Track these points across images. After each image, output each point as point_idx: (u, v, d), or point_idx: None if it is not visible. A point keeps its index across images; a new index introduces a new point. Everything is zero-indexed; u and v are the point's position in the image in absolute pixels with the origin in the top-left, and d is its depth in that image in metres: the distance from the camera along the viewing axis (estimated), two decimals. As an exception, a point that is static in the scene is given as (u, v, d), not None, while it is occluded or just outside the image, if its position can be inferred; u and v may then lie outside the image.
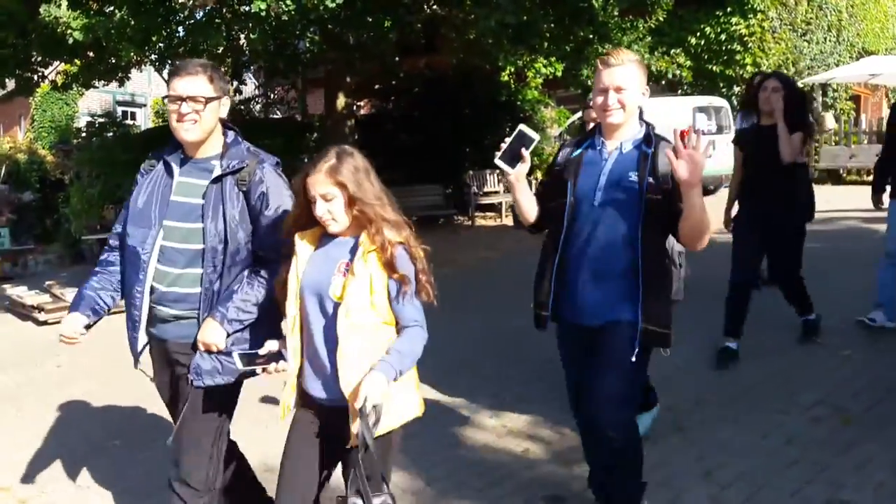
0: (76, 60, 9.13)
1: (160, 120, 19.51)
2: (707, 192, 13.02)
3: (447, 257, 9.27)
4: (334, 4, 6.48)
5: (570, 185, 2.50)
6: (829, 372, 4.15)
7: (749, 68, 14.08)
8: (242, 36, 8.67)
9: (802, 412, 3.67)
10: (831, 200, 11.46)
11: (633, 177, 2.40)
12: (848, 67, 15.71)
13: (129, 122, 17.55)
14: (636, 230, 2.39)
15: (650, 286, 2.42)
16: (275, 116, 13.48)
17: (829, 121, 14.81)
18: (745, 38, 14.04)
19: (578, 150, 2.58)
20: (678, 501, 2.93)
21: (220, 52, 8.95)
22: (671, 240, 2.64)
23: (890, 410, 3.59)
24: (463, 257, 9.24)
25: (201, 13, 7.66)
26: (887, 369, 4.10)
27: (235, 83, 11.58)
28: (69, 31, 6.82)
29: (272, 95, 13.55)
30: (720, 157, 12.42)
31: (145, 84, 21.74)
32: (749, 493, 2.94)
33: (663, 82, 14.50)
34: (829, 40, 16.34)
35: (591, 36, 9.46)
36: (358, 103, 14.86)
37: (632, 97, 2.42)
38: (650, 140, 2.44)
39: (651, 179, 2.37)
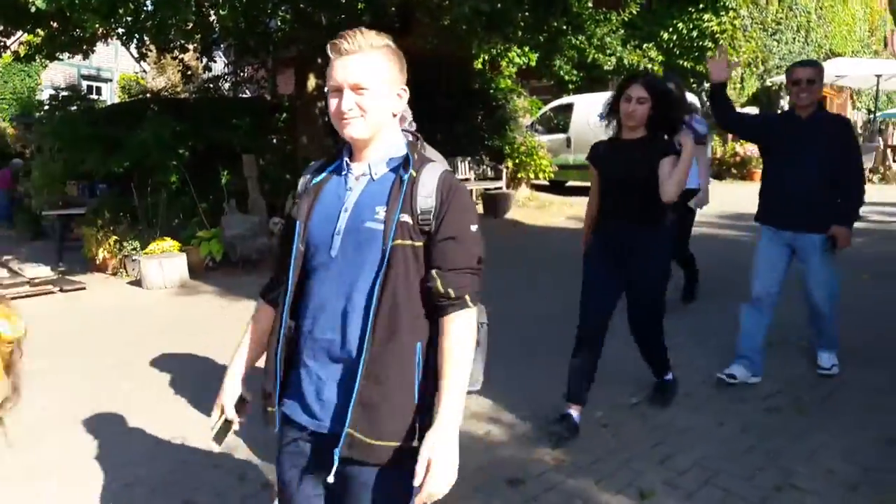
0: (39, 31, 8.87)
1: (126, 95, 19.10)
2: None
3: (415, 243, 9.26)
4: (306, -18, 6.40)
5: (300, 227, 1.73)
6: (786, 363, 4.24)
7: (719, 65, 14.28)
8: (213, 12, 8.51)
9: (760, 401, 3.75)
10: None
11: (380, 214, 1.63)
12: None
13: (94, 96, 17.15)
14: (371, 294, 1.62)
15: (379, 382, 1.62)
16: (244, 95, 13.29)
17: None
18: (717, 35, 14.22)
19: (321, 176, 1.80)
20: (634, 484, 2.97)
21: (189, 28, 8.78)
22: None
23: (842, 401, 3.69)
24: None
25: (170, -14, 7.49)
26: (840, 362, 4.18)
27: (205, 60, 11.37)
28: (31, 0, 6.63)
29: (242, 74, 13.34)
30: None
31: (112, 58, 21.23)
32: (704, 479, 3.00)
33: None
34: (798, 41, 16.62)
35: (564, 27, 9.49)
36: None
37: (377, 100, 1.64)
38: (409, 161, 1.67)
39: (405, 217, 1.62)
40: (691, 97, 13.17)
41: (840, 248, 3.76)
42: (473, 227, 1.67)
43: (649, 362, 3.81)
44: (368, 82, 1.64)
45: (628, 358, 4.43)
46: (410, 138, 1.79)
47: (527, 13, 8.99)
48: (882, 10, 21.89)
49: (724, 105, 3.99)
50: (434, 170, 1.69)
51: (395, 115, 1.73)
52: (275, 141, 11.54)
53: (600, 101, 12.22)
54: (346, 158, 1.75)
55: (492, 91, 13.00)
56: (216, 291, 7.12)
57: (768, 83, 15.63)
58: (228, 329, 5.81)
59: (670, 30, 14.63)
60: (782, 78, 15.49)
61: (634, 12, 10.70)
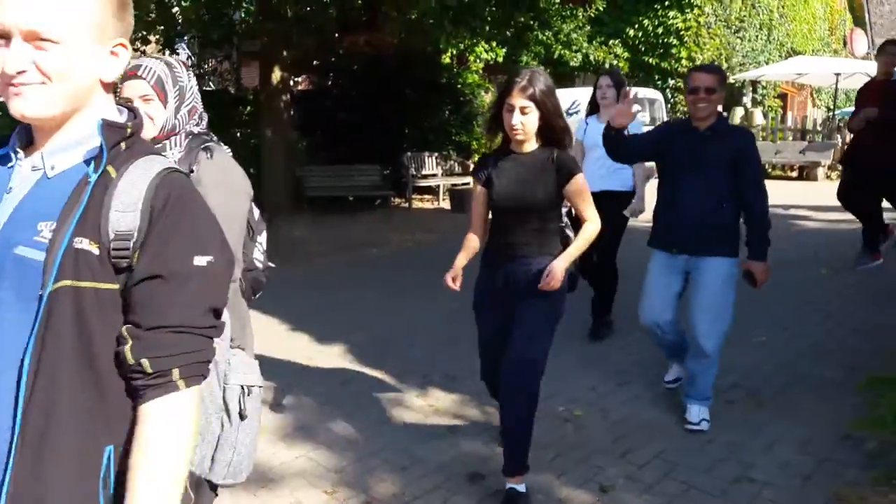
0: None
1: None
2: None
3: (383, 238, 9.24)
4: (270, -26, 6.32)
5: None
6: (745, 357, 4.31)
7: (684, 62, 14.46)
8: (175, 3, 8.36)
9: (718, 395, 3.79)
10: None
11: (45, 233, 1.03)
12: (777, 66, 16.28)
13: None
14: (21, 371, 1.01)
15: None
16: (208, 88, 13.08)
17: (758, 117, 15.33)
18: (682, 33, 14.39)
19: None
20: (595, 479, 3.00)
21: (150, 19, 8.63)
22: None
23: (798, 394, 3.76)
24: (398, 239, 9.22)
25: (130, -24, 7.34)
26: (797, 356, 4.29)
27: (167, 53, 11.17)
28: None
29: (205, 67, 13.14)
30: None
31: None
32: (664, 472, 3.03)
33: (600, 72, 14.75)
34: (761, 38, 16.89)
35: (531, 22, 9.52)
36: (296, 78, 14.57)
37: (63, 56, 1.03)
38: (102, 154, 1.07)
39: (84, 243, 1.02)
40: (654, 93, 13.37)
41: (761, 284, 3.35)
42: (202, 261, 1.07)
43: (509, 449, 2.81)
44: (54, 28, 1.01)
45: (588, 352, 4.48)
46: (121, 117, 1.14)
47: (494, 8, 9.00)
48: (842, 9, 22.36)
49: (618, 146, 3.54)
50: (147, 169, 1.07)
51: (105, 83, 1.12)
52: (239, 135, 11.40)
53: (567, 98, 12.36)
54: (17, 145, 1.12)
55: (459, 86, 13.00)
56: (179, 287, 7.01)
57: (731, 80, 15.86)
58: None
59: (636, 26, 14.77)
60: (745, 75, 15.82)
61: (601, 9, 10.75)
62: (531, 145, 2.79)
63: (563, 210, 3.00)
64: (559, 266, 2.69)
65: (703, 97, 3.28)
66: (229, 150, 2.17)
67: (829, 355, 4.26)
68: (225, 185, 1.97)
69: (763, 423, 3.45)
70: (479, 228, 3.00)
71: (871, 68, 15.32)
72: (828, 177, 14.01)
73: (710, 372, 3.44)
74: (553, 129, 2.73)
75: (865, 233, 5.95)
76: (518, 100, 2.65)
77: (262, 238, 2.34)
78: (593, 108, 4.77)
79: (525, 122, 2.68)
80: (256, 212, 2.29)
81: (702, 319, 3.34)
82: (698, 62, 14.65)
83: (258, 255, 2.32)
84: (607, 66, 14.35)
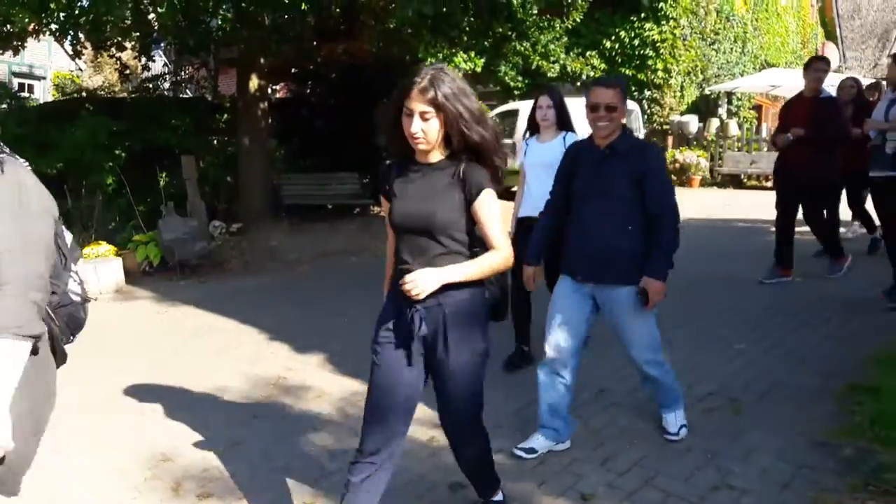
0: (-35, 25, 8.50)
1: (60, 94, 18.45)
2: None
3: (361, 246, 9.20)
4: (248, -18, 6.29)
5: None
6: (723, 365, 4.33)
7: (660, 73, 14.62)
8: (151, 9, 8.29)
9: (697, 402, 3.81)
10: (730, 204, 12.05)
11: None
12: (751, 77, 16.50)
13: (25, 95, 16.50)
14: None
15: None
16: (184, 96, 12.99)
17: (733, 128, 15.53)
18: (658, 44, 14.56)
19: None
20: (576, 487, 2.99)
21: (126, 25, 8.54)
22: None
23: (775, 401, 3.78)
24: (378, 247, 9.17)
25: (106, -18, 7.26)
26: (774, 362, 4.32)
27: (143, 59, 11.07)
28: (-44, -8, 6.35)
29: (182, 74, 13.03)
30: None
31: (45, 56, 20.51)
32: (644, 480, 3.03)
33: (578, 83, 14.87)
34: (735, 51, 17.13)
35: (509, 32, 9.56)
36: (274, 87, 14.51)
37: None
38: None
39: None
40: (631, 104, 13.48)
41: (653, 305, 3.06)
42: None
43: (479, 483, 2.76)
44: None
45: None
46: None
47: (471, 18, 9.03)
48: (813, 23, 22.77)
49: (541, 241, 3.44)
50: None
51: None
52: (216, 142, 11.32)
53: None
54: None
55: (438, 95, 13.02)
56: (153, 297, 6.92)
57: (707, 92, 16.06)
58: (165, 335, 5.66)
59: (612, 38, 14.91)
60: (721, 87, 16.02)
61: (578, 20, 10.84)
62: (436, 155, 2.36)
63: None
64: (429, 275, 2.21)
65: (604, 115, 3.03)
66: (27, 163, 1.89)
67: (805, 363, 4.30)
68: (17, 206, 1.72)
69: (741, 430, 3.46)
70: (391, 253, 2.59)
71: (842, 79, 15.64)
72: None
73: (668, 377, 3.32)
74: (463, 137, 2.28)
75: (825, 245, 6.18)
76: (417, 104, 2.24)
77: (77, 267, 2.09)
78: (533, 128, 4.44)
79: (426, 129, 2.25)
80: (68, 236, 2.03)
81: (632, 351, 3.23)
82: (673, 74, 14.83)
83: (74, 287, 2.05)
84: (584, 77, 14.48)
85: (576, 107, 10.64)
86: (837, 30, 23.78)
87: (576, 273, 3.20)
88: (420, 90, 2.23)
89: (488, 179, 2.32)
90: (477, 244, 2.39)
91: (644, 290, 3.04)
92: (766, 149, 15.20)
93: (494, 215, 2.34)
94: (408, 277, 2.19)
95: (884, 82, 7.13)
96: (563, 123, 4.35)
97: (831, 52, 22.44)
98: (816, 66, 5.79)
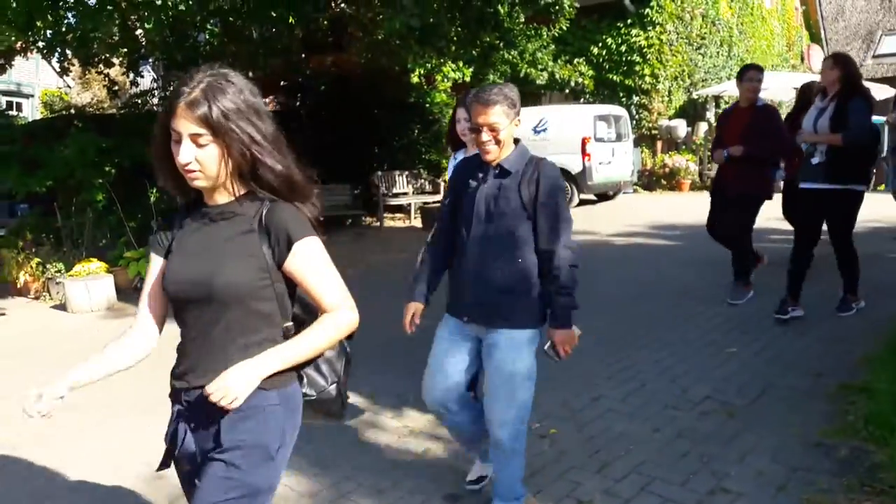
0: (-48, 44, 8.48)
1: (49, 112, 18.40)
2: (607, 197, 13.48)
3: (355, 258, 9.17)
4: (235, -4, 6.31)
5: None
6: (716, 368, 4.35)
7: (648, 79, 14.70)
8: (139, 25, 8.30)
9: (692, 407, 3.82)
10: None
11: None
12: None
13: (13, 113, 16.46)
14: None
15: None
16: (174, 111, 12.98)
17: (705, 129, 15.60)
18: (644, 50, 14.65)
19: None
20: (573, 495, 2.99)
21: (113, 41, 8.54)
22: None
23: (769, 403, 3.80)
24: (371, 258, 9.17)
25: (93, -1, 7.29)
26: (767, 366, 4.34)
27: (131, 75, 11.06)
28: (-58, 11, 6.34)
29: (171, 89, 13.04)
30: (619, 164, 12.88)
31: (33, 73, 20.45)
32: (641, 485, 3.03)
33: (567, 90, 14.94)
34: (721, 55, 17.25)
35: (496, 42, 9.61)
36: (263, 100, 14.51)
37: None
38: None
39: None
40: (619, 110, 13.55)
41: (565, 356, 2.68)
42: None
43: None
44: None
45: (559, 368, 4.48)
46: None
47: (459, 28, 9.07)
48: (798, 26, 22.95)
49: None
50: None
51: None
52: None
53: (534, 115, 12.45)
54: None
55: (428, 105, 13.06)
56: (146, 313, 6.88)
57: (694, 96, 16.16)
58: (158, 351, 5.62)
59: (600, 45, 15.00)
60: (708, 90, 16.10)
61: (565, 28, 10.90)
62: (224, 196, 1.74)
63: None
64: (238, 375, 1.59)
65: (488, 139, 2.58)
66: None
67: (797, 364, 4.32)
68: None
69: (736, 433, 3.47)
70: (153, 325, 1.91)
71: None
72: (790, 188, 14.30)
73: (514, 465, 2.75)
74: (254, 171, 1.68)
75: (735, 263, 5.75)
76: (185, 123, 1.61)
77: None
78: (457, 143, 3.71)
79: (202, 158, 1.63)
80: None
81: (493, 406, 2.67)
82: (661, 79, 14.90)
83: None
84: (573, 84, 14.54)
85: (564, 113, 10.67)
86: (822, 32, 23.98)
87: (460, 312, 2.75)
88: (188, 104, 1.61)
89: (305, 224, 1.73)
90: (301, 309, 1.85)
91: (553, 343, 2.66)
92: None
93: (321, 269, 1.75)
94: (210, 387, 1.58)
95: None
96: None
97: (816, 53, 22.59)
98: (751, 75, 5.49)
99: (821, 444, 3.27)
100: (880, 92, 13.23)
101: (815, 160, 4.82)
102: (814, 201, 4.91)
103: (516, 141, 2.72)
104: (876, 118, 5.74)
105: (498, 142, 2.59)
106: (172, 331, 1.86)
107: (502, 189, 2.63)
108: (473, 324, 2.72)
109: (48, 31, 7.61)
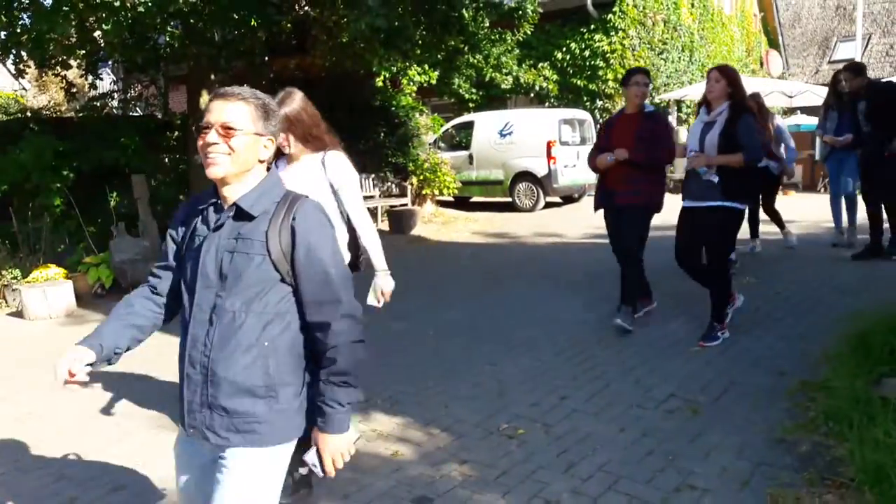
0: None
1: (3, 115, 17.93)
2: (572, 199, 13.59)
3: (319, 262, 9.10)
4: (196, -2, 6.21)
5: None
6: (681, 367, 4.39)
7: (611, 83, 14.86)
8: (97, 26, 8.12)
9: (657, 405, 3.86)
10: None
11: None
12: (700, 85, 16.81)
13: (-34, 116, 15.97)
14: None
15: None
16: (134, 114, 12.76)
17: (683, 134, 15.83)
18: (608, 55, 14.81)
19: None
20: (540, 495, 2.99)
21: (70, 43, 8.36)
22: None
23: (732, 401, 3.85)
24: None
25: (48, -1, 7.12)
26: (730, 363, 4.40)
27: (90, 77, 10.83)
28: None
29: (131, 91, 12.79)
30: (584, 167, 12.99)
31: (-14, 76, 19.93)
32: (608, 484, 3.05)
33: (532, 94, 15.04)
34: (683, 60, 17.52)
35: (461, 45, 9.63)
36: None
37: None
38: None
39: None
40: (583, 114, 13.69)
41: (332, 472, 1.95)
42: None
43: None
44: None
45: (529, 369, 4.49)
46: None
47: (424, 31, 9.07)
48: (757, 32, 23.42)
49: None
50: None
51: None
52: (167, 160, 11.11)
53: (500, 119, 12.55)
54: None
55: (393, 108, 13.02)
56: (106, 320, 6.73)
57: (657, 100, 16.38)
58: (123, 359, 5.50)
59: (563, 49, 15.13)
60: (670, 95, 16.32)
61: (529, 32, 10.97)
62: None
63: None
64: None
65: (216, 146, 1.81)
66: None
67: (760, 362, 4.39)
68: None
69: (700, 431, 3.51)
70: None
71: (787, 87, 16.10)
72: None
73: None
74: None
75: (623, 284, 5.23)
76: None
77: None
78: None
79: None
80: None
81: None
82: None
83: None
84: (537, 88, 14.66)
85: (529, 117, 10.67)
86: (780, 38, 24.51)
87: (185, 424, 1.91)
88: None
89: None
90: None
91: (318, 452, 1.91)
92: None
93: None
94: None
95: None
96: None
97: (775, 59, 23.10)
98: (637, 79, 5.00)
99: (783, 440, 3.32)
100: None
101: (713, 178, 4.54)
102: (698, 219, 4.66)
103: (269, 168, 1.94)
104: (810, 123, 5.91)
105: (232, 153, 1.80)
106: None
107: (236, 238, 1.83)
108: (203, 439, 1.87)
109: (2, 33, 7.41)
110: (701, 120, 4.76)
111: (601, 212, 5.27)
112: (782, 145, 7.19)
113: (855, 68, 6.69)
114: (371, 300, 3.23)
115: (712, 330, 4.78)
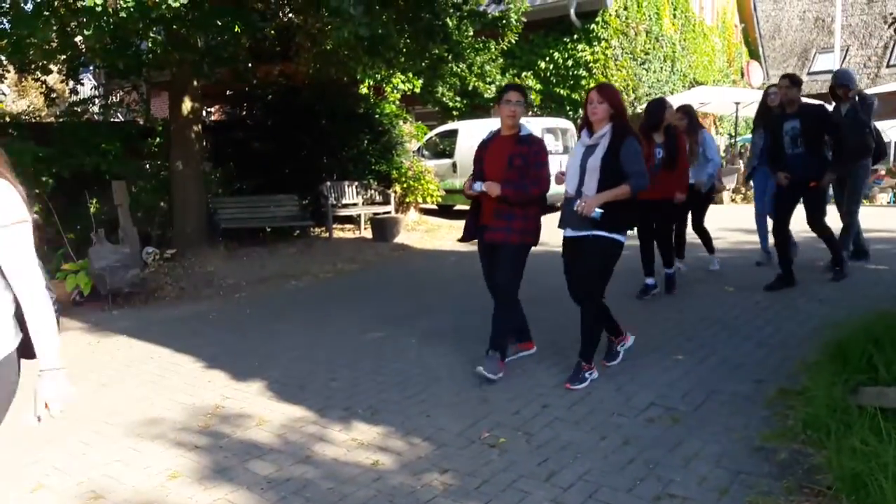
0: None
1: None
2: (556, 208, 13.64)
3: (303, 269, 9.07)
4: (178, 4, 6.18)
5: None
6: (661, 375, 4.41)
7: (594, 92, 14.97)
8: (78, 32, 8.06)
9: (637, 413, 3.87)
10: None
11: None
12: (681, 95, 17.05)
13: (-56, 121, 15.75)
14: None
15: None
16: (115, 120, 12.65)
17: (663, 143, 15.97)
18: (590, 65, 14.92)
19: None
20: (522, 505, 2.99)
21: (51, 48, 8.28)
22: None
23: (712, 409, 3.87)
24: (319, 269, 9.08)
25: (29, 4, 7.06)
26: (710, 371, 4.43)
27: (71, 83, 10.74)
28: None
29: (113, 97, 12.69)
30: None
31: (-34, 80, 19.69)
32: (588, 493, 3.05)
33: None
34: (665, 70, 17.68)
35: (445, 54, 9.66)
36: (208, 109, 14.27)
37: None
38: None
39: None
40: (566, 123, 13.77)
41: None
42: None
43: None
44: None
45: (510, 377, 4.49)
46: None
47: (408, 40, 9.09)
48: (738, 43, 23.69)
49: None
50: None
51: None
52: (148, 166, 11.03)
53: (484, 127, 12.61)
54: None
55: (377, 116, 13.03)
56: (85, 328, 6.66)
57: (639, 110, 16.50)
58: (97, 367, 5.45)
59: (547, 59, 15.22)
60: (651, 105, 16.40)
61: (513, 42, 11.04)
62: None
63: None
64: None
65: None
66: None
67: (738, 370, 4.42)
68: None
69: (680, 439, 3.53)
70: None
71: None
72: (732, 200, 14.73)
73: None
74: None
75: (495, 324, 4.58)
76: None
77: None
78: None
79: None
80: None
81: None
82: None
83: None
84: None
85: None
86: (760, 49, 24.81)
87: None
88: None
89: None
90: None
91: None
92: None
93: None
94: None
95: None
96: None
97: (756, 70, 23.38)
98: (510, 97, 4.46)
99: (762, 448, 3.34)
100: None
101: (594, 215, 4.12)
102: (577, 249, 4.35)
103: None
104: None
105: None
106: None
107: None
108: None
109: (-18, 37, 7.34)
110: (582, 143, 4.36)
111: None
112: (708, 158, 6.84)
113: (792, 78, 6.26)
114: (32, 418, 2.17)
115: (578, 370, 4.30)
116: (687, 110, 6.88)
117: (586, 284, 4.33)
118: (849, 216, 6.91)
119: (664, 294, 6.36)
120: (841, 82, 6.85)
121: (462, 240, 4.84)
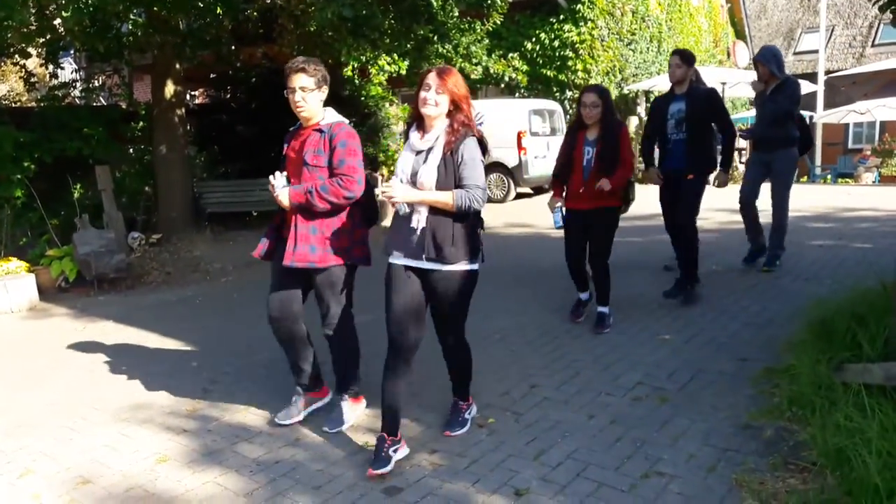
0: None
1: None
2: (543, 190, 13.63)
3: (288, 254, 9.03)
4: (160, -15, 6.08)
5: None
6: (648, 354, 4.44)
7: (580, 73, 14.92)
8: (57, 14, 7.93)
9: (625, 392, 3.90)
10: (652, 200, 12.38)
11: None
12: (668, 76, 17.08)
13: (-78, 106, 15.48)
14: None
15: None
16: (97, 104, 12.49)
17: (633, 124, 15.95)
18: (577, 46, 14.86)
19: None
20: (510, 483, 3.00)
21: (30, 31, 8.15)
22: None
23: (699, 388, 3.90)
24: (305, 254, 9.03)
25: (6, -15, 6.90)
26: (697, 350, 4.46)
27: (51, 67, 10.58)
28: None
29: (94, 81, 12.51)
30: (554, 158, 13.04)
31: (-57, 64, 19.35)
32: (577, 471, 3.07)
33: (502, 85, 15.03)
34: (651, 50, 17.66)
35: (430, 35, 9.58)
36: (192, 92, 14.11)
37: None
38: None
39: None
40: (553, 104, 13.73)
41: None
42: None
43: None
44: None
45: (500, 358, 4.51)
46: None
47: (392, 20, 9.00)
48: (724, 23, 23.70)
49: None
50: None
51: None
52: (132, 151, 10.93)
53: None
54: None
55: (363, 98, 12.93)
56: (70, 314, 6.61)
57: (626, 91, 16.50)
58: (84, 352, 5.41)
59: (533, 40, 15.15)
60: (639, 85, 16.45)
61: (498, 23, 10.96)
62: None
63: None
64: None
65: None
66: None
67: (725, 349, 4.45)
68: None
69: (668, 418, 3.55)
70: None
71: (753, 78, 16.32)
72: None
73: None
74: None
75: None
76: None
77: None
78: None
79: None
80: None
81: None
82: (593, 74, 15.15)
83: None
84: (507, 78, 14.65)
85: (500, 108, 10.59)
86: (746, 29, 24.82)
87: None
88: None
89: None
90: None
91: None
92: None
93: None
94: None
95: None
96: None
97: (741, 50, 23.39)
98: (294, 82, 3.86)
99: (748, 426, 3.37)
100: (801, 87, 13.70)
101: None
102: (425, 283, 3.26)
103: None
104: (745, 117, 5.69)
105: None
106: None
107: None
108: None
109: (-42, 19, 7.19)
110: (411, 148, 3.25)
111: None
112: None
113: (683, 54, 5.57)
114: None
115: (457, 412, 3.60)
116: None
117: (455, 324, 3.46)
118: (780, 212, 6.14)
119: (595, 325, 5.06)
120: (758, 57, 6.05)
121: (265, 256, 4.00)
